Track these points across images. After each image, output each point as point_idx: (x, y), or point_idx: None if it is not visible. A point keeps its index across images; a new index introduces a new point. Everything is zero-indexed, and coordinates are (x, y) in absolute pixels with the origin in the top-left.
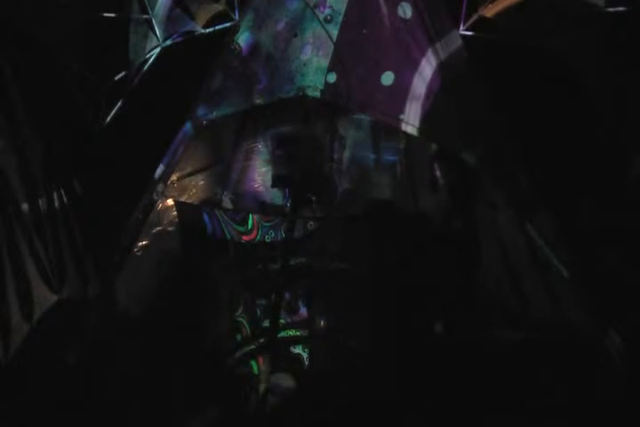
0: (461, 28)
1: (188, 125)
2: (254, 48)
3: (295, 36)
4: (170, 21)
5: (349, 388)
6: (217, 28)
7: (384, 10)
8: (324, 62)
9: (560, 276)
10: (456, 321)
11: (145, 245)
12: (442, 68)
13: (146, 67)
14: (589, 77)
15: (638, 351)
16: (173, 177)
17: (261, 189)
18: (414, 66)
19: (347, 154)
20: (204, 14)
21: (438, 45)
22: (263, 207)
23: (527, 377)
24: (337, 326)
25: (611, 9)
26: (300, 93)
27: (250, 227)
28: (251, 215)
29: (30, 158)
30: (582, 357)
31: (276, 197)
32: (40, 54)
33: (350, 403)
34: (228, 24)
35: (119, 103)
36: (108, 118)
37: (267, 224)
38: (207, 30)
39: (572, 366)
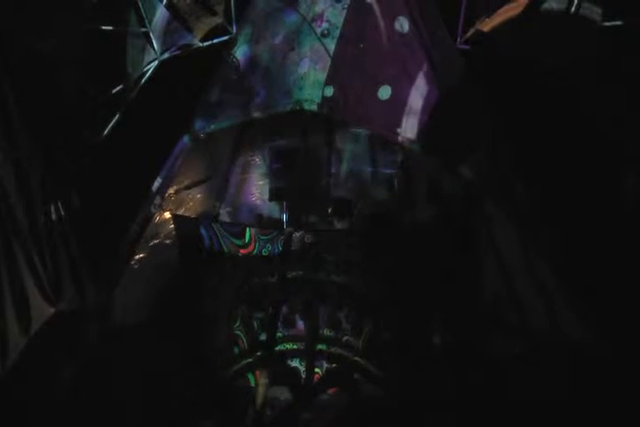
0: (458, 41)
1: (185, 138)
2: (252, 61)
3: (293, 49)
4: (168, 35)
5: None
6: (215, 41)
7: (381, 24)
8: (322, 76)
9: (555, 286)
10: (455, 333)
11: (142, 257)
12: (439, 82)
13: (143, 80)
14: (586, 90)
15: (630, 359)
16: (171, 190)
17: (259, 202)
18: (411, 80)
19: (344, 167)
20: (202, 27)
21: (435, 59)
22: (260, 221)
23: (525, 390)
24: (335, 339)
25: (607, 23)
26: (298, 107)
27: (247, 240)
28: (248, 229)
29: (28, 172)
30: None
31: (273, 210)
32: (39, 68)
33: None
34: (225, 37)
35: (117, 116)
36: (106, 131)
37: (264, 237)
38: (205, 43)
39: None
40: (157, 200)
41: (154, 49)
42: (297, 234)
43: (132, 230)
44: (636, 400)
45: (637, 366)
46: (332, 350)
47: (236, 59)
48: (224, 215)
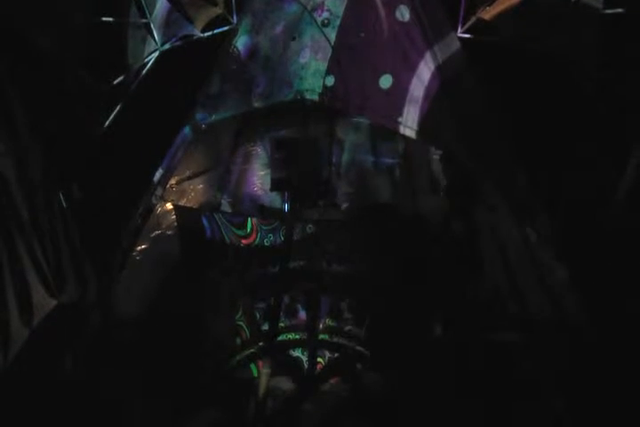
0: (459, 30)
1: (186, 129)
2: (253, 52)
3: (293, 39)
4: (168, 25)
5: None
6: (215, 31)
7: (381, 13)
8: (323, 65)
9: (557, 276)
10: (456, 322)
11: (144, 248)
12: (440, 71)
13: (144, 71)
14: (588, 79)
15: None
16: (172, 181)
17: (260, 192)
18: (412, 68)
19: (345, 157)
20: (203, 18)
21: (436, 48)
22: (262, 211)
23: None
24: (337, 329)
25: (608, 11)
26: (299, 97)
27: (249, 230)
28: (250, 219)
29: (30, 163)
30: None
31: (274, 200)
32: (40, 60)
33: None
34: (226, 28)
35: (118, 107)
36: (107, 122)
37: (266, 228)
38: (206, 34)
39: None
40: (159, 191)
41: (155, 40)
42: (299, 224)
43: (133, 221)
44: (634, 386)
45: (636, 353)
46: (334, 339)
47: (237, 49)
48: (225, 206)
